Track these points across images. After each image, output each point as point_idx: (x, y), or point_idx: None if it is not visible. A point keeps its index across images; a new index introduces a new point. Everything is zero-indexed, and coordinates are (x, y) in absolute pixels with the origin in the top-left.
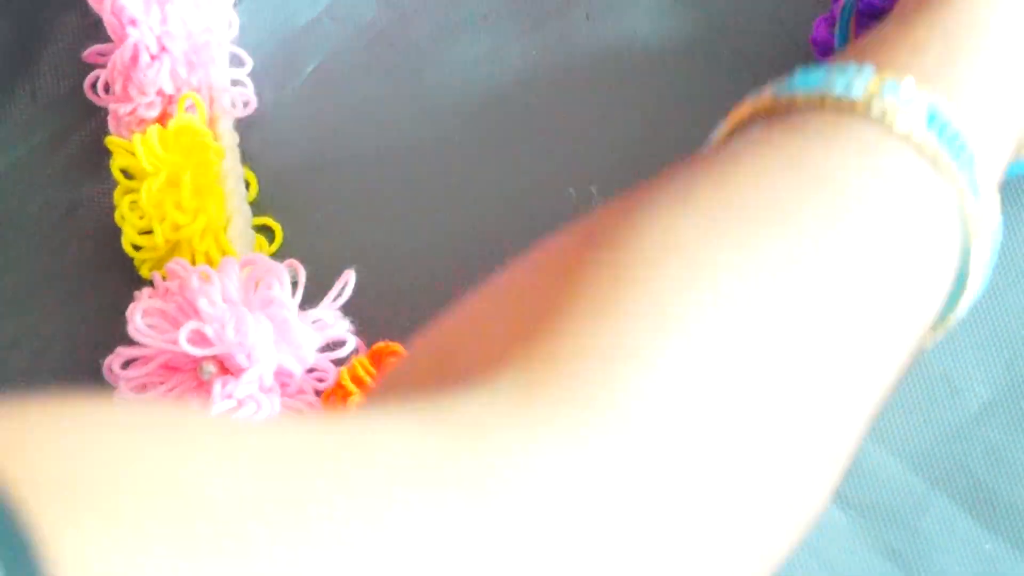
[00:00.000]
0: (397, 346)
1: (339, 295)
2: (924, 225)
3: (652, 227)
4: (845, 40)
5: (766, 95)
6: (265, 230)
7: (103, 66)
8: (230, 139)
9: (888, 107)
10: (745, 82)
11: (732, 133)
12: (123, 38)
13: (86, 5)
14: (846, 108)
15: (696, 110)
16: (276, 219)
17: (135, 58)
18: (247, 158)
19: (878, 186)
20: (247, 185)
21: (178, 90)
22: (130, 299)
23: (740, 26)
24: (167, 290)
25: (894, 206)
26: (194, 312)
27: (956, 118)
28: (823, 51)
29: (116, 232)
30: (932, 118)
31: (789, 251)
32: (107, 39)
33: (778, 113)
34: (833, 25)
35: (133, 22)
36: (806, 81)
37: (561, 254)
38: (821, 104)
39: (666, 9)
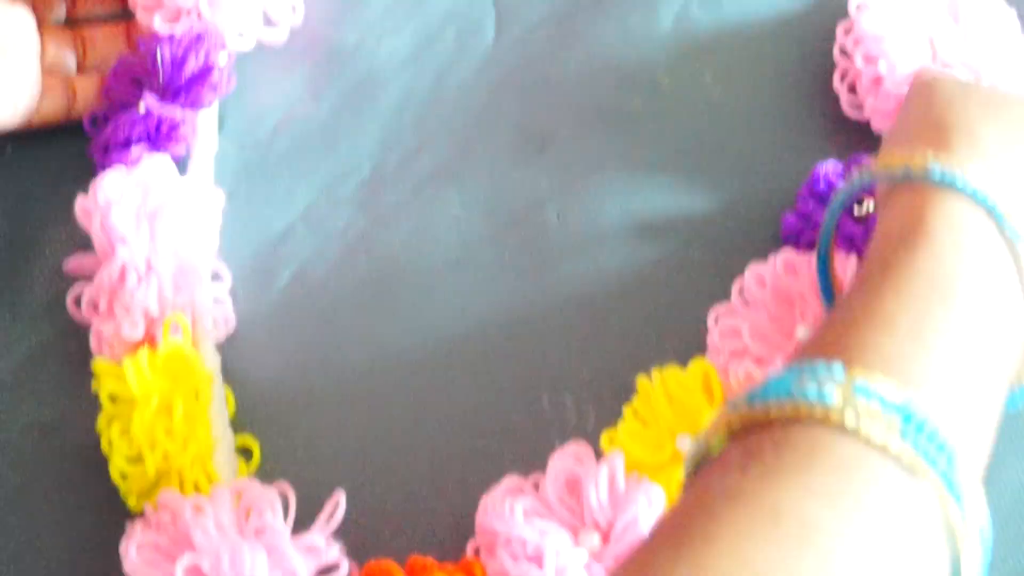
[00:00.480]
0: (389, 563)
1: (330, 517)
2: (908, 541)
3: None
4: (826, 281)
5: (740, 409)
6: (243, 447)
7: (86, 278)
8: (213, 361)
9: (862, 414)
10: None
11: (705, 456)
12: (111, 256)
13: (74, 220)
14: (819, 418)
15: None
16: (255, 435)
17: (123, 277)
18: (223, 373)
19: (862, 510)
20: (226, 402)
21: (162, 311)
22: (117, 526)
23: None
24: (160, 522)
25: (878, 525)
26: (189, 545)
27: (932, 412)
28: (796, 242)
29: (97, 453)
30: (907, 419)
31: None
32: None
33: (754, 427)
34: (801, 218)
35: (123, 240)
36: (778, 390)
37: None
38: (796, 415)
39: (636, 210)
